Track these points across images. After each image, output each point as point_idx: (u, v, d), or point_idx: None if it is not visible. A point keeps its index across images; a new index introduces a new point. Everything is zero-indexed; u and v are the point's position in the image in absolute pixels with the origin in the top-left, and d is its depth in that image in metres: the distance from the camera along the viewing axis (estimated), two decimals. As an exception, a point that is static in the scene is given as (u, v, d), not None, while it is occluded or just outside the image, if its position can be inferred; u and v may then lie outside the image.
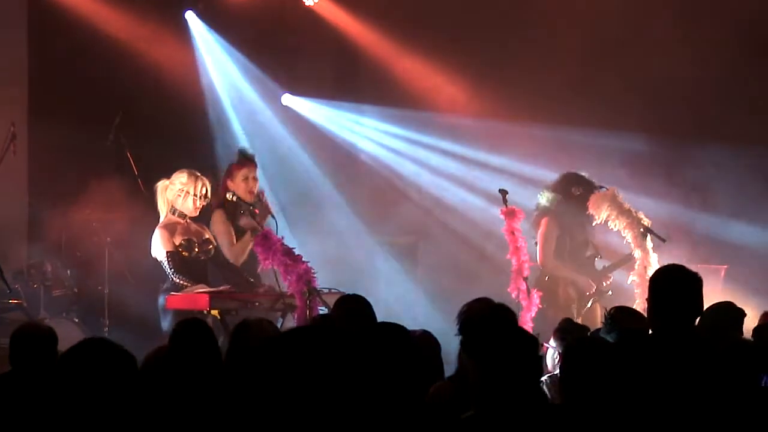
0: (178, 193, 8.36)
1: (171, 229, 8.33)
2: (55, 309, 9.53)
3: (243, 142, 11.26)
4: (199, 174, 8.48)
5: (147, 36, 10.61)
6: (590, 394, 4.41)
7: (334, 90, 11.63)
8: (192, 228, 8.45)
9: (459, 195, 11.28)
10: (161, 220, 8.43)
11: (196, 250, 8.35)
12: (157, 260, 8.30)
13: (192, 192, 8.36)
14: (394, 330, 4.07)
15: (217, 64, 11.25)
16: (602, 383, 4.39)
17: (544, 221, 9.30)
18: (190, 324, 5.24)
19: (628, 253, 9.15)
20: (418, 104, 11.30)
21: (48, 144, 10.06)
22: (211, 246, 8.45)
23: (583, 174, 9.37)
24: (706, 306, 6.10)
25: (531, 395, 3.63)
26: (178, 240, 8.27)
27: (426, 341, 5.23)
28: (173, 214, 8.39)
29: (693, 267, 8.24)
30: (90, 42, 10.36)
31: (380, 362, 3.82)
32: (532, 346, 3.78)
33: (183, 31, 11.04)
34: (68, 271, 9.79)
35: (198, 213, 8.43)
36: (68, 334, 8.53)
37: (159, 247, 8.26)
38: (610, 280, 9.32)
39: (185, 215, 8.38)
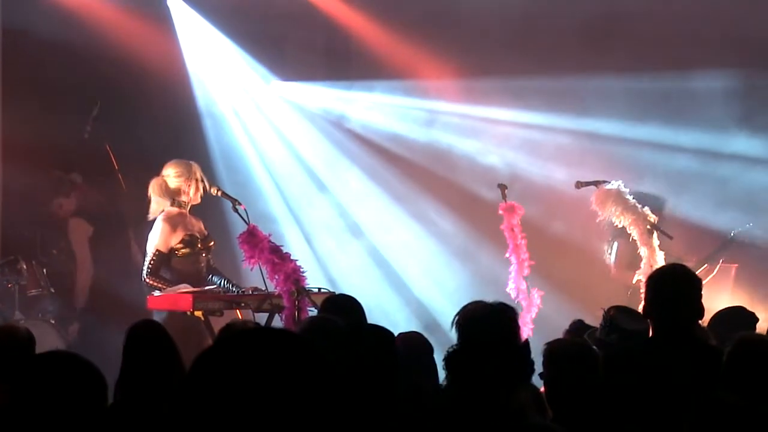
0: (179, 184, 8.38)
1: (173, 223, 8.32)
2: (31, 309, 9.47)
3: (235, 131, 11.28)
4: (187, 161, 8.53)
5: (127, 23, 10.54)
6: (568, 398, 4.39)
7: (325, 76, 11.59)
8: (193, 221, 8.48)
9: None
10: (157, 215, 8.38)
11: (199, 245, 8.36)
12: (147, 252, 8.30)
13: (193, 178, 8.41)
14: (378, 333, 4.05)
15: (203, 49, 11.17)
16: (578, 386, 4.37)
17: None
18: (141, 327, 5.17)
19: (711, 252, 9.25)
20: (412, 90, 11.30)
21: (23, 137, 9.97)
22: (212, 242, 8.49)
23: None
24: (717, 309, 6.09)
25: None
26: (179, 236, 8.26)
27: (416, 343, 5.21)
28: (178, 206, 8.39)
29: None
30: (67, 31, 10.28)
31: (361, 365, 3.81)
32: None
33: (164, 16, 10.97)
34: (44, 270, 9.72)
35: (200, 200, 8.48)
36: (44, 336, 8.48)
37: (152, 242, 8.26)
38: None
39: (187, 204, 8.40)
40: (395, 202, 11.37)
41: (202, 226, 8.56)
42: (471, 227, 10.87)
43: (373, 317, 9.83)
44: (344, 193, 11.48)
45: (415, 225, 11.34)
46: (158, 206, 8.39)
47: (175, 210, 8.39)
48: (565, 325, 6.40)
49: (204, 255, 8.43)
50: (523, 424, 3.57)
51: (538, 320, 8.56)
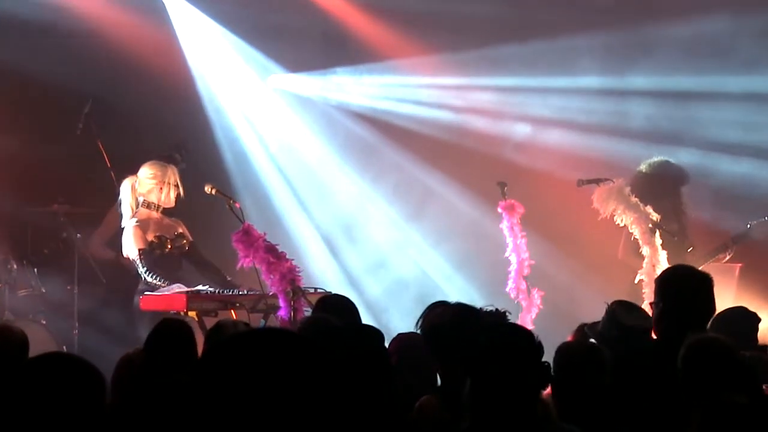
0: (152, 186, 8.40)
1: (144, 225, 8.39)
2: (21, 310, 9.44)
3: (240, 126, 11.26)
4: (164, 163, 8.60)
5: (121, 16, 10.51)
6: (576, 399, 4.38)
7: (324, 64, 11.59)
8: (165, 222, 8.52)
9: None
10: (128, 217, 8.43)
11: (169, 246, 8.38)
12: (130, 259, 8.33)
13: (166, 182, 8.46)
14: (366, 333, 4.04)
15: (201, 43, 11.13)
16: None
17: None
18: (169, 325, 5.19)
19: (719, 245, 9.18)
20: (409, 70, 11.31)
21: (12, 133, 9.94)
22: (184, 241, 8.49)
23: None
24: (720, 309, 6.07)
25: (527, 408, 3.56)
26: (150, 237, 8.31)
27: (415, 344, 5.19)
28: (147, 207, 8.39)
29: (706, 265, 8.21)
30: (59, 25, 10.26)
31: (351, 364, 3.81)
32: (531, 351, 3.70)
33: (160, 10, 10.93)
34: (35, 270, 9.69)
35: (175, 204, 8.50)
36: (35, 337, 8.45)
37: (131, 245, 8.31)
38: None
39: (159, 207, 8.40)
40: (402, 189, 11.35)
41: (180, 228, 8.57)
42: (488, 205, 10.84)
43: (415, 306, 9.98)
44: (352, 184, 11.44)
45: (425, 214, 11.32)
46: (128, 206, 8.44)
47: (144, 212, 8.45)
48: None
49: (177, 254, 8.44)
50: (551, 429, 3.58)
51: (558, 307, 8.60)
